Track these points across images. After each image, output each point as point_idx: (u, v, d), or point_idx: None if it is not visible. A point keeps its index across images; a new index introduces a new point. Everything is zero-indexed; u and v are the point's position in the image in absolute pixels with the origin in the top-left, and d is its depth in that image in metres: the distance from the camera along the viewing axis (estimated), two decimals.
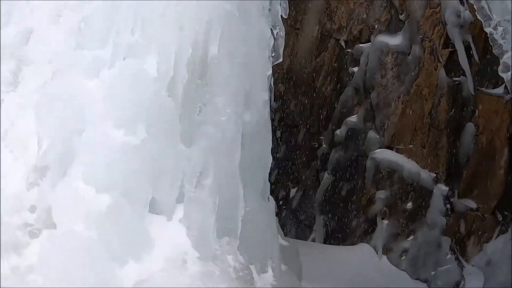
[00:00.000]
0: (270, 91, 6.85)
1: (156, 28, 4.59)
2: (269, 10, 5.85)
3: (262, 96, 5.03)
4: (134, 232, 4.09)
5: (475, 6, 5.68)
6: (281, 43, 5.95)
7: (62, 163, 4.26)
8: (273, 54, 5.81)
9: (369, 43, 8.51)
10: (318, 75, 8.98)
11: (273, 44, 5.79)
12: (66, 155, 4.27)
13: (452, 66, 8.06)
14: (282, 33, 5.94)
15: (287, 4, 6.58)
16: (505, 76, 5.37)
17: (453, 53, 8.01)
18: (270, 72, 5.24)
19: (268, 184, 5.12)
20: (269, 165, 5.07)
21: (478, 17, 5.75)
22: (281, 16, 6.26)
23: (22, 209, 4.22)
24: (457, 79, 8.07)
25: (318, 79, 8.97)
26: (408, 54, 8.19)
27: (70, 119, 4.35)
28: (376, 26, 8.51)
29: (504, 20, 5.24)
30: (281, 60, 6.06)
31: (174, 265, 3.99)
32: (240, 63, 4.79)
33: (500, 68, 5.47)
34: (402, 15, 8.31)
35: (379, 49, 8.34)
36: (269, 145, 5.07)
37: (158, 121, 4.28)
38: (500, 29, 5.37)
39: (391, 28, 8.43)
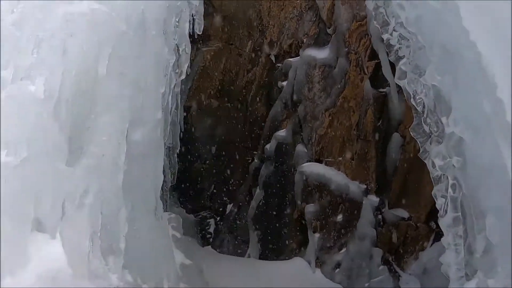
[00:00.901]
0: (177, 108, 6.92)
1: (46, 49, 4.58)
2: (176, 26, 5.89)
3: (155, 115, 5.01)
4: (13, 249, 4.01)
5: (373, 13, 5.70)
6: (186, 59, 5.97)
7: None
8: (176, 71, 5.84)
9: (298, 57, 8.58)
10: (250, 90, 9.02)
11: (177, 61, 5.82)
12: None
13: (377, 77, 8.10)
14: (188, 50, 5.97)
15: (202, 20, 6.63)
16: (402, 83, 5.36)
17: (379, 64, 8.03)
18: (163, 90, 5.21)
19: (161, 203, 5.09)
20: (160, 184, 5.05)
21: (375, 23, 5.75)
22: (199, 32, 6.35)
23: None
24: (382, 90, 8.11)
25: (249, 94, 9.01)
26: (335, 67, 8.25)
27: None
28: (305, 40, 8.59)
29: (398, 23, 5.26)
30: (184, 77, 6.07)
31: (45, 282, 3.94)
32: (131, 82, 4.77)
33: (396, 75, 5.46)
34: (330, 29, 8.40)
35: (307, 62, 8.41)
36: (160, 164, 5.06)
37: (39, 142, 4.24)
38: (395, 34, 5.39)
39: (319, 41, 8.52)
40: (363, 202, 8.05)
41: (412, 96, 5.27)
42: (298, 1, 8.82)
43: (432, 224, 8.04)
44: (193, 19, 6.34)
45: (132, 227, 4.55)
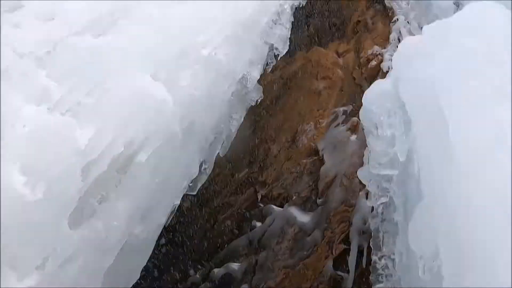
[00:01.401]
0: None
1: (108, 107, 4.88)
2: (210, 145, 6.30)
3: (160, 220, 5.25)
4: None
5: (372, 234, 6.24)
6: (203, 178, 6.34)
7: None
8: (190, 184, 6.15)
9: (281, 208, 8.96)
10: (225, 212, 9.28)
11: (196, 177, 6.16)
12: None
13: (341, 261, 8.37)
14: (209, 171, 6.34)
15: (229, 144, 7.08)
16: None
17: (347, 250, 8.36)
18: (178, 202, 5.49)
19: None
20: (133, 281, 5.19)
21: (370, 244, 6.28)
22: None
23: None
24: (341, 274, 8.36)
25: (223, 215, 9.27)
26: (309, 235, 8.60)
27: None
28: (294, 197, 9.04)
29: (389, 257, 5.77)
30: (194, 193, 6.35)
31: None
32: (157, 182, 5.05)
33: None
34: (320, 200, 8.88)
35: (287, 218, 8.77)
36: (142, 263, 5.23)
37: (59, 191, 4.37)
38: (383, 262, 5.89)
39: (306, 206, 8.95)
40: None
41: None
42: (305, 161, 9.40)
43: None
44: (223, 142, 6.79)
45: None
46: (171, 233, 9.08)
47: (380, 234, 6.11)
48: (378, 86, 6.00)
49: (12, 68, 5.26)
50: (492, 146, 3.87)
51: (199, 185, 6.32)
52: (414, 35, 11.82)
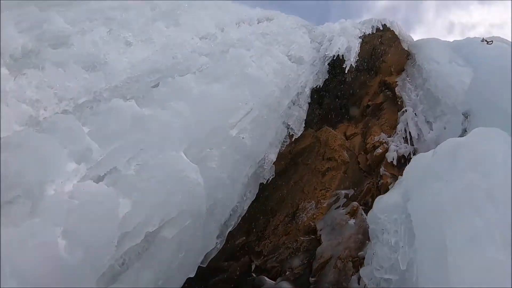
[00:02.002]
0: None
1: (145, 182, 5.31)
2: (224, 222, 6.71)
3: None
4: None
5: None
6: (214, 253, 6.72)
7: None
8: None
9: (274, 281, 9.15)
10: (217, 275, 9.49)
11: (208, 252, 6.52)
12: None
13: None
14: (220, 246, 6.78)
15: (238, 221, 7.47)
16: None
17: None
18: (193, 275, 5.84)
19: None
20: None
21: None
22: None
23: None
24: None
25: (215, 277, 9.49)
26: None
27: (34, 178, 4.78)
28: (287, 272, 9.24)
29: None
30: (205, 265, 6.68)
31: None
32: (180, 257, 5.47)
33: None
34: (313, 279, 9.06)
35: None
36: None
37: (94, 257, 4.70)
38: None
39: (298, 283, 9.10)
40: None
41: None
42: (302, 238, 9.77)
43: None
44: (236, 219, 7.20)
45: None
46: None
47: None
48: (388, 197, 6.50)
49: (56, 120, 5.67)
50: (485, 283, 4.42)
51: (209, 260, 6.66)
52: (420, 129, 12.41)
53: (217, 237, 6.68)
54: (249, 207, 9.91)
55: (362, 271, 6.85)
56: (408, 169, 6.57)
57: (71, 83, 6.90)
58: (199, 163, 5.96)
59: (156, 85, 7.14)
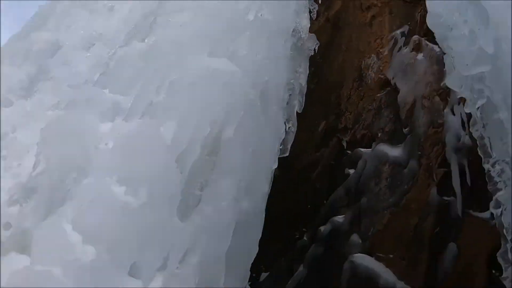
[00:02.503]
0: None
1: (181, 96, 4.77)
2: (287, 103, 6.13)
3: (263, 188, 5.16)
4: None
5: (477, 142, 5.90)
6: (291, 138, 6.22)
7: (53, 195, 4.33)
8: (281, 147, 6.03)
9: (370, 149, 8.72)
10: (314, 169, 9.13)
11: (284, 139, 6.02)
12: (60, 189, 4.34)
13: (444, 185, 8.07)
14: (294, 129, 6.21)
15: (304, 99, 6.87)
16: (496, 211, 5.55)
17: (448, 173, 8.08)
18: (275, 165, 5.39)
19: (249, 273, 5.17)
20: (254, 255, 5.14)
21: (479, 153, 5.93)
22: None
23: None
24: (447, 198, 8.08)
25: (313, 172, 9.12)
26: (405, 167, 8.33)
27: (75, 155, 4.46)
28: (379, 134, 8.77)
29: (503, 161, 5.45)
30: (287, 154, 6.21)
31: None
32: (251, 151, 4.95)
33: (492, 203, 5.64)
34: (406, 129, 8.56)
35: (378, 157, 8.53)
36: (258, 236, 5.16)
37: (161, 189, 4.37)
38: (497, 167, 5.57)
39: (394, 139, 8.66)
40: None
41: (504, 226, 5.40)
42: (379, 95, 9.09)
43: None
44: (298, 98, 6.61)
45: None
46: (269, 201, 9.00)
47: (486, 140, 5.75)
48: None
49: (74, 100, 5.31)
50: None
51: (289, 146, 6.17)
52: None
53: (287, 122, 6.13)
54: (313, 91, 9.31)
55: (447, 81, 6.14)
56: None
57: (80, 68, 6.63)
58: (229, 57, 5.35)
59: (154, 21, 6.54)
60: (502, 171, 5.51)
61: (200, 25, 5.83)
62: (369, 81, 9.43)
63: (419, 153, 8.30)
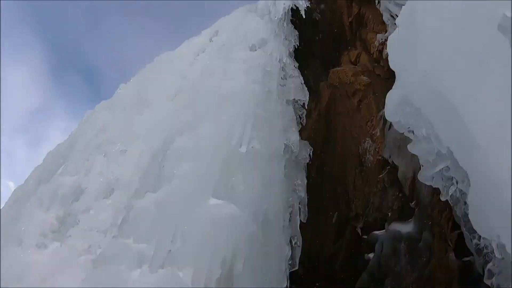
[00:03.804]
0: None
1: (193, 243, 5.47)
2: (289, 220, 6.71)
3: None
4: None
5: (462, 220, 6.33)
6: (298, 252, 6.69)
7: None
8: (290, 262, 6.54)
9: (383, 230, 9.12)
10: (336, 260, 9.54)
11: (291, 254, 6.56)
12: None
13: (461, 246, 8.12)
14: (299, 243, 6.71)
15: (306, 209, 7.44)
16: (489, 282, 5.87)
17: (461, 234, 8.18)
18: (285, 284, 5.91)
19: None
20: None
21: (465, 230, 6.35)
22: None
23: None
24: (466, 259, 8.22)
25: (336, 263, 9.54)
26: (420, 240, 8.62)
27: None
28: (389, 214, 9.15)
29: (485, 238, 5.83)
30: (297, 267, 6.69)
31: None
32: (260, 278, 5.54)
33: (485, 275, 5.96)
34: (413, 203, 8.92)
35: (393, 236, 8.86)
36: None
37: None
38: (483, 241, 5.97)
39: (403, 215, 9.01)
40: None
41: None
42: (381, 176, 9.59)
43: None
44: (299, 210, 7.18)
45: None
46: None
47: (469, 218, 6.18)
48: (390, 99, 6.31)
49: (104, 252, 6.04)
50: None
51: (297, 259, 6.67)
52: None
53: (293, 238, 6.70)
54: (318, 186, 9.85)
55: (420, 177, 6.66)
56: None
57: (103, 216, 7.40)
58: (230, 197, 6.07)
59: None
60: (488, 242, 5.87)
61: (201, 173, 6.48)
62: (369, 165, 9.93)
63: (430, 223, 8.59)
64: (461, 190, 6.08)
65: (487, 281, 5.96)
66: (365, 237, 9.40)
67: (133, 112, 9.75)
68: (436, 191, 8.73)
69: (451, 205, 6.42)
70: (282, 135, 7.72)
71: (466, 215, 6.25)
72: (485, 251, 6.03)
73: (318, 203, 9.94)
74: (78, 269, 5.65)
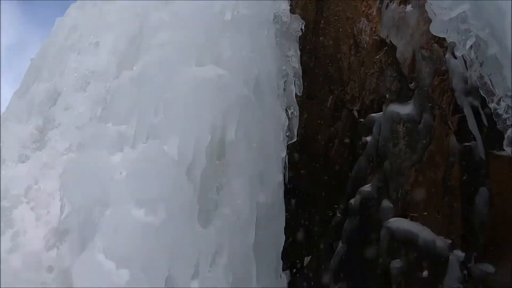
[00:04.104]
0: (285, 169, 7.09)
1: (177, 112, 4.85)
2: (284, 89, 6.13)
3: (277, 178, 5.20)
4: None
5: (478, 83, 5.81)
6: (296, 122, 6.20)
7: (83, 232, 4.55)
8: (287, 134, 6.04)
9: (381, 112, 8.67)
10: (333, 145, 9.12)
11: (288, 124, 6.02)
12: (88, 225, 4.55)
13: (462, 131, 8.01)
14: (296, 112, 6.21)
15: (301, 81, 6.85)
16: (509, 149, 5.47)
17: (463, 118, 7.98)
18: (284, 154, 5.42)
19: (281, 262, 5.23)
20: (282, 244, 5.20)
21: (482, 93, 5.84)
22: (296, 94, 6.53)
23: (40, 268, 4.56)
24: (468, 144, 7.97)
25: (332, 148, 9.11)
26: (419, 122, 8.27)
27: (94, 191, 4.67)
28: (387, 95, 8.70)
29: (507, 96, 5.36)
30: (295, 139, 6.21)
31: None
32: (256, 146, 4.99)
33: (505, 142, 5.55)
34: (412, 84, 8.48)
35: (391, 118, 8.47)
36: (282, 224, 5.22)
37: (178, 203, 4.49)
38: (503, 104, 5.48)
39: (402, 97, 8.58)
40: (449, 257, 7.93)
41: None
42: (378, 57, 9.02)
43: None
44: (294, 81, 6.59)
45: (257, 286, 4.69)
46: (293, 187, 8.98)
47: (486, 79, 5.64)
48: None
49: (83, 140, 5.48)
50: None
51: (296, 131, 6.17)
52: None
53: (289, 108, 6.16)
54: (311, 70, 9.26)
55: (431, 29, 6.03)
56: None
57: (82, 108, 6.88)
58: (216, 60, 5.53)
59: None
60: (508, 107, 5.41)
61: (181, 40, 5.86)
62: (365, 45, 9.38)
63: (430, 104, 8.21)
64: (479, 45, 5.42)
65: (507, 148, 5.47)
66: (362, 120, 8.94)
67: (104, 4, 8.87)
68: (437, 72, 8.28)
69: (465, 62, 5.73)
70: (271, 2, 6.98)
71: (481, 77, 5.70)
72: (504, 115, 5.49)
73: (311, 88, 9.34)
74: (61, 170, 5.03)
